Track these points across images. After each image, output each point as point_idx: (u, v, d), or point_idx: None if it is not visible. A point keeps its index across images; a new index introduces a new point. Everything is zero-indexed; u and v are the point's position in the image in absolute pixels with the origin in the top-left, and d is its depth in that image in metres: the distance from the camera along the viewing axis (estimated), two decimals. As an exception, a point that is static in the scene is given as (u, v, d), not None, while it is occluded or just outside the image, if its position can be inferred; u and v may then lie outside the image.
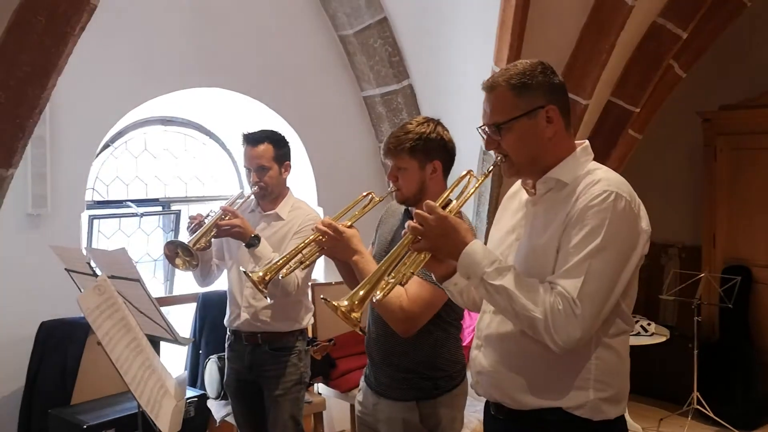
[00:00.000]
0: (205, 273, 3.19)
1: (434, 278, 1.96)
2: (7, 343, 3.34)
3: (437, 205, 1.75)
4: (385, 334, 2.36)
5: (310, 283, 3.51)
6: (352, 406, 4.04)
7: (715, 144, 5.36)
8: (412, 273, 1.76)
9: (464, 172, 2.12)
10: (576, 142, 1.84)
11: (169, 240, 3.63)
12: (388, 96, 4.57)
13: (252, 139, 3.09)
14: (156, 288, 4.34)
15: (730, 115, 5.29)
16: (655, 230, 1.81)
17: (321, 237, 2.24)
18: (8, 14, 2.63)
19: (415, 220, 1.74)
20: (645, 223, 1.73)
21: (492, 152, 1.85)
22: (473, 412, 3.21)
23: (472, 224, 2.53)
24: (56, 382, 3.39)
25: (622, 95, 4.50)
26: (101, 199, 4.14)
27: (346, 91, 4.63)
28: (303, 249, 2.26)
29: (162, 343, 3.15)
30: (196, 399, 3.54)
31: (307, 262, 2.29)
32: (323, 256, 2.45)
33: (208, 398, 3.75)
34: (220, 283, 3.35)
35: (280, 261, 2.26)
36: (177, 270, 3.55)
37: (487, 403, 1.92)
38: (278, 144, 3.13)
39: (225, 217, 2.94)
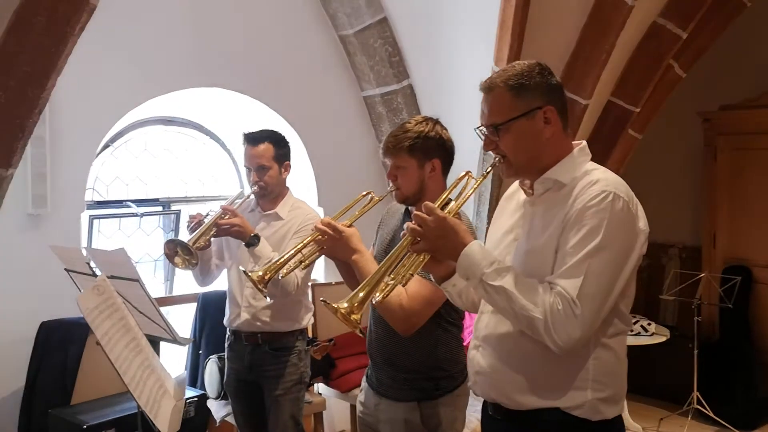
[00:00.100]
0: (205, 272, 3.19)
1: (433, 279, 1.96)
2: (7, 343, 3.34)
3: (436, 206, 1.75)
4: (386, 335, 2.36)
5: (310, 283, 3.51)
6: (353, 406, 4.04)
7: (715, 144, 5.37)
8: (412, 274, 1.76)
9: (462, 174, 2.13)
10: (573, 142, 1.85)
11: (169, 238, 3.63)
12: (388, 96, 4.56)
13: (252, 139, 3.10)
14: (156, 288, 4.34)
15: (731, 115, 5.29)
16: (656, 230, 1.81)
17: (320, 236, 2.24)
18: (8, 14, 2.63)
19: (414, 222, 1.74)
20: (643, 223, 1.73)
21: (491, 152, 1.86)
22: (473, 412, 3.20)
23: (473, 224, 2.53)
24: (56, 382, 3.39)
25: (622, 95, 4.49)
26: (101, 199, 4.13)
27: (346, 91, 4.63)
28: (303, 248, 2.26)
29: (162, 343, 3.15)
30: (196, 399, 3.54)
31: (307, 262, 2.29)
32: (323, 256, 2.45)
33: (208, 398, 3.75)
34: (220, 283, 3.35)
35: (280, 260, 2.26)
36: (177, 270, 3.56)
37: (484, 404, 1.92)
38: (278, 144, 3.13)
39: (224, 216, 2.95)
